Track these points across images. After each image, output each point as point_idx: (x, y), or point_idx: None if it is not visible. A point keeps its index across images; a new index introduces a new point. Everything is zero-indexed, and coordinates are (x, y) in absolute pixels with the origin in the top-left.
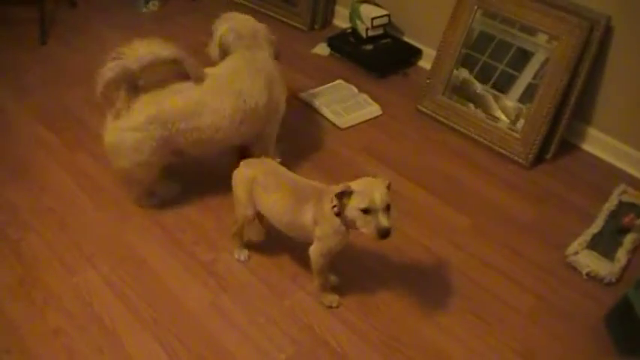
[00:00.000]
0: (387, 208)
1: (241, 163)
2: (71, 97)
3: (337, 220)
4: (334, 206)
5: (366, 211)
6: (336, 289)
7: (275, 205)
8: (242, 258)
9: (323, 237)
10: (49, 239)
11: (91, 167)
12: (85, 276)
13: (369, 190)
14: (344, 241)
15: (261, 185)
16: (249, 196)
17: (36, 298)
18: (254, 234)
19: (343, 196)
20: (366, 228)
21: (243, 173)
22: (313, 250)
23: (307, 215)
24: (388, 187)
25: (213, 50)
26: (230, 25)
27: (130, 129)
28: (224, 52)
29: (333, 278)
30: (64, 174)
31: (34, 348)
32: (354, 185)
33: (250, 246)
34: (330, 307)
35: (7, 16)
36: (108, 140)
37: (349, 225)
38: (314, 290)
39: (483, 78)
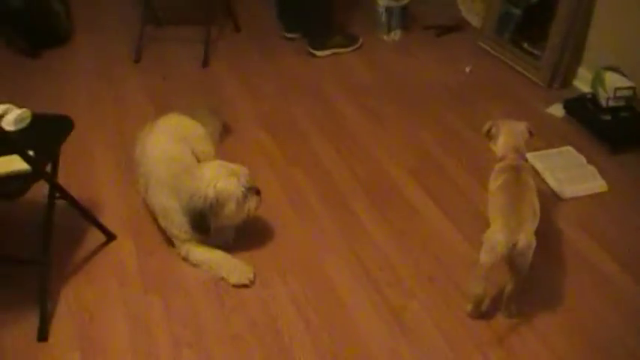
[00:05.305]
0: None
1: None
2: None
3: None
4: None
5: None
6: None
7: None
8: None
9: None
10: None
11: (305, 183)
12: (276, 290)
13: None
14: None
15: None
16: None
17: (226, 301)
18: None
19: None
20: None
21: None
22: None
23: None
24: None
25: None
26: None
27: None
28: None
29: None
30: (276, 185)
31: (212, 348)
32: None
33: (442, 302)
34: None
35: (180, 35)
36: None
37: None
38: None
39: None
